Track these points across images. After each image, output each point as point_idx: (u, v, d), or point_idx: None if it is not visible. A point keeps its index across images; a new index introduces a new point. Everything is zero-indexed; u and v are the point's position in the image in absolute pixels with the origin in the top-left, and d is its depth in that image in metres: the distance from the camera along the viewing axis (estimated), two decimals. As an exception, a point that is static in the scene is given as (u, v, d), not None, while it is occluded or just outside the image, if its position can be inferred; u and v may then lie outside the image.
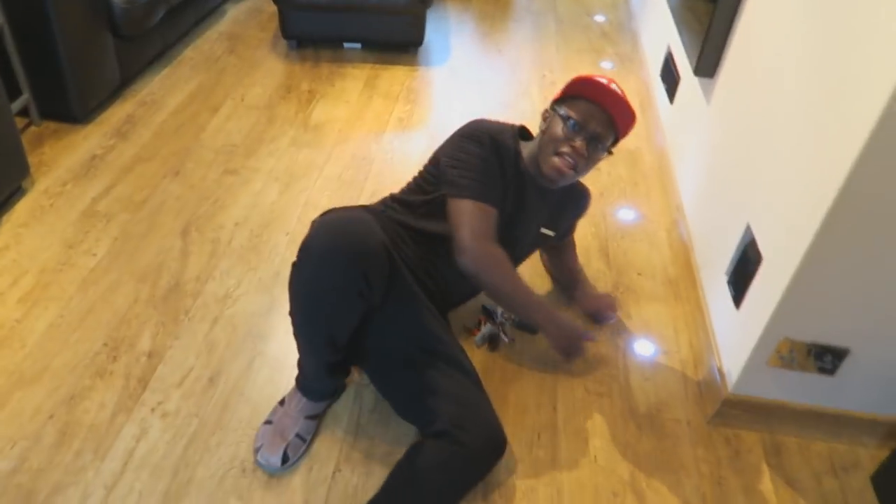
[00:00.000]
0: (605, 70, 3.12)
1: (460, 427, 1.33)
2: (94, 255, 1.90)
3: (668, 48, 2.61)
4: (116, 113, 2.50)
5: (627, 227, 2.20)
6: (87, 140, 2.35)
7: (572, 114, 1.49)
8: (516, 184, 1.56)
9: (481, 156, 1.51)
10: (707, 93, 2.05)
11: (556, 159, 1.50)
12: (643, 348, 1.79)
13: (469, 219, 1.47)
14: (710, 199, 1.93)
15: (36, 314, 1.72)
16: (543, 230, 1.68)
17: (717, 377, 1.62)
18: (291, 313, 1.39)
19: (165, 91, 2.66)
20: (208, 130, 2.46)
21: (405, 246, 1.50)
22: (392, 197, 1.63)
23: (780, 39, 1.58)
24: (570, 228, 1.84)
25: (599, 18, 3.64)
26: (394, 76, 2.92)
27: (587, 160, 1.51)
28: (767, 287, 1.44)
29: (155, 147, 2.35)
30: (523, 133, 1.66)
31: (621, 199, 2.32)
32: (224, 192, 2.18)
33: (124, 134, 2.40)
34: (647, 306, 1.91)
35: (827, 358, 1.47)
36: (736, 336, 1.58)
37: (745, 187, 1.65)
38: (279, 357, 1.66)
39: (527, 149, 1.59)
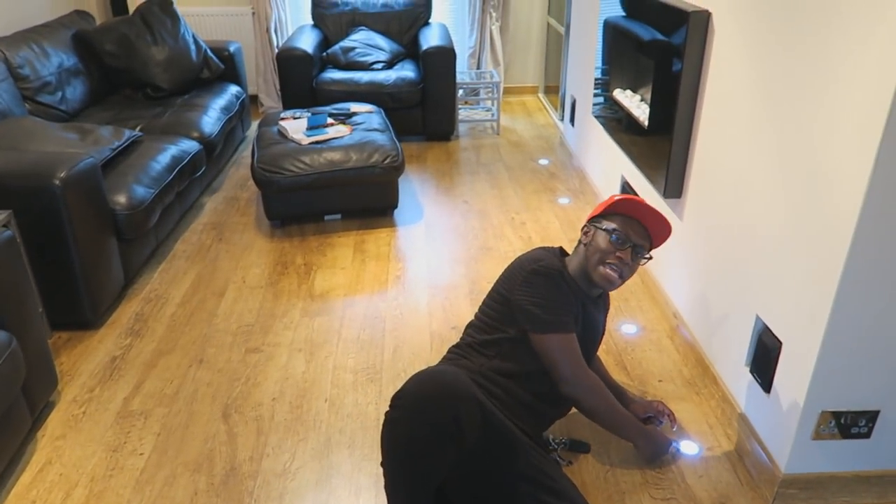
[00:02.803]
0: (562, 204, 3.45)
1: None
2: (141, 454, 1.90)
3: (623, 177, 2.95)
4: (125, 313, 2.56)
5: (633, 340, 2.38)
6: (103, 343, 2.38)
7: (615, 228, 1.70)
8: (579, 303, 1.73)
9: (554, 288, 1.67)
10: (678, 211, 2.35)
11: (604, 268, 1.70)
12: (688, 448, 1.90)
13: (561, 353, 1.65)
14: (707, 300, 2.14)
15: (97, 525, 1.68)
16: None
17: (767, 461, 1.74)
18: (384, 464, 1.45)
19: (167, 285, 2.75)
20: (219, 315, 2.54)
21: (493, 386, 1.61)
22: (456, 346, 1.76)
23: (741, 146, 1.88)
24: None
25: (543, 162, 4.05)
26: (378, 238, 3.13)
27: (630, 268, 1.71)
28: (795, 368, 1.62)
29: (172, 339, 2.41)
30: (562, 252, 1.86)
31: (619, 315, 2.52)
32: (252, 370, 2.24)
33: (137, 331, 2.45)
34: (677, 408, 2.04)
35: (861, 422, 1.63)
36: (774, 418, 1.73)
37: (744, 283, 1.87)
38: (355, 521, 1.67)
39: (570, 265, 1.78)
